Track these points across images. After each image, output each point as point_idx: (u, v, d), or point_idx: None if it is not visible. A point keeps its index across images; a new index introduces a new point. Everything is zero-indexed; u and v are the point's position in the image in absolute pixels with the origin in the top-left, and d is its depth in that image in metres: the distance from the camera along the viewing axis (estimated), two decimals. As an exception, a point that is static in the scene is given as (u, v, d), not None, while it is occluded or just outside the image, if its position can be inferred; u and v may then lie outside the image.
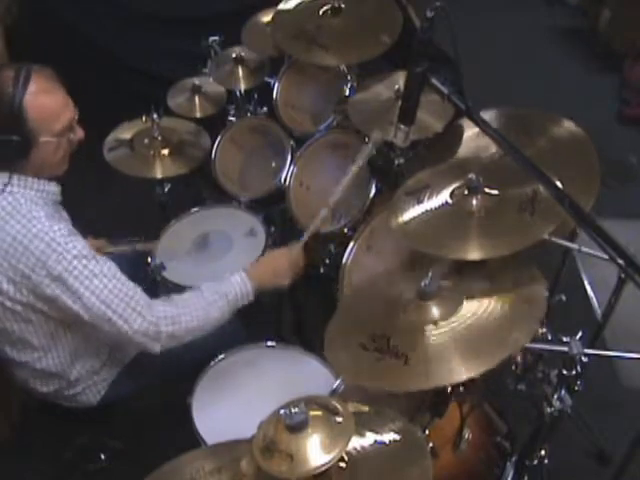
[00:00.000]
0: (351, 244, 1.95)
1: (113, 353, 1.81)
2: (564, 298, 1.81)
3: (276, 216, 2.37)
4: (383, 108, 2.02)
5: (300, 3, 2.32)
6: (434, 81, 1.45)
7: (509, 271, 1.45)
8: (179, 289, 2.01)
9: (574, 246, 1.50)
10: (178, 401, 1.73)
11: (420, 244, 1.52)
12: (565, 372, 1.42)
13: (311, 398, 1.17)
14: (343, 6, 2.21)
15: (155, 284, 2.06)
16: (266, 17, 2.52)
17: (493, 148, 1.75)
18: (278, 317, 2.32)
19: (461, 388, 1.55)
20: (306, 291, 2.12)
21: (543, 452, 1.67)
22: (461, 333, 1.35)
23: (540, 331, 1.43)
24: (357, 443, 1.19)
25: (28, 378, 1.74)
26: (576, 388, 1.45)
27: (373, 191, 2.09)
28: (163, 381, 1.86)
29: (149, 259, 2.13)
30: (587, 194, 1.62)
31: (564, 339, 1.41)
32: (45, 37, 2.98)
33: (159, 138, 2.36)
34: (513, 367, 1.52)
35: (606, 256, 1.30)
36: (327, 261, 2.26)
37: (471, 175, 1.51)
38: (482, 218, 1.48)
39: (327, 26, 2.20)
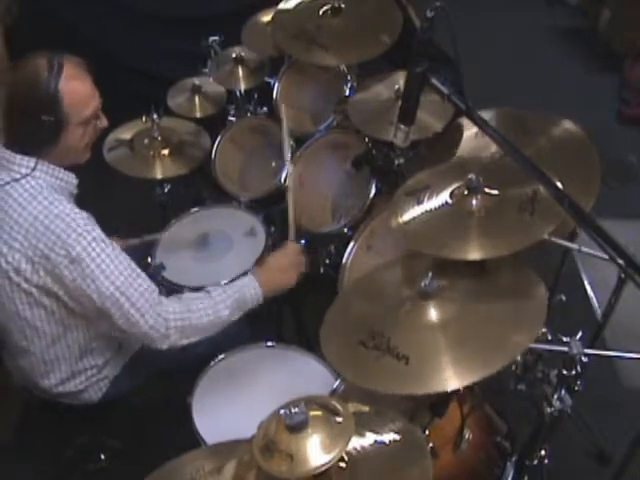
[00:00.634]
0: (351, 244, 1.95)
1: (118, 351, 1.81)
2: (564, 298, 1.81)
3: (276, 216, 2.37)
4: (383, 108, 2.02)
5: (300, 3, 2.32)
6: (434, 81, 1.45)
7: (508, 272, 1.45)
8: (179, 289, 2.02)
9: (574, 246, 1.50)
10: (178, 401, 1.73)
11: (420, 245, 1.52)
12: (565, 372, 1.42)
13: (311, 398, 1.17)
14: (343, 6, 2.21)
15: (155, 284, 2.06)
16: (266, 17, 2.52)
17: (493, 148, 1.75)
18: (278, 317, 2.32)
19: (461, 388, 1.55)
20: (306, 291, 2.12)
21: (543, 452, 1.67)
22: (462, 336, 1.35)
23: (540, 331, 1.43)
24: (357, 443, 1.19)
25: (31, 371, 1.73)
26: (576, 388, 1.45)
27: (373, 191, 2.09)
28: (164, 378, 1.86)
29: (149, 259, 2.13)
30: (587, 194, 1.62)
31: (564, 339, 1.41)
32: (45, 37, 2.97)
33: (159, 138, 2.37)
34: (513, 367, 1.52)
35: (606, 256, 1.30)
36: (327, 261, 2.26)
37: (471, 175, 1.51)
38: (482, 218, 1.48)
39: (327, 26, 2.20)
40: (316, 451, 1.09)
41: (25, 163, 1.56)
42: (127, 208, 2.87)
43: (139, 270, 1.61)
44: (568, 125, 1.82)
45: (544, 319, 1.34)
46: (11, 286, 1.58)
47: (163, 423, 1.92)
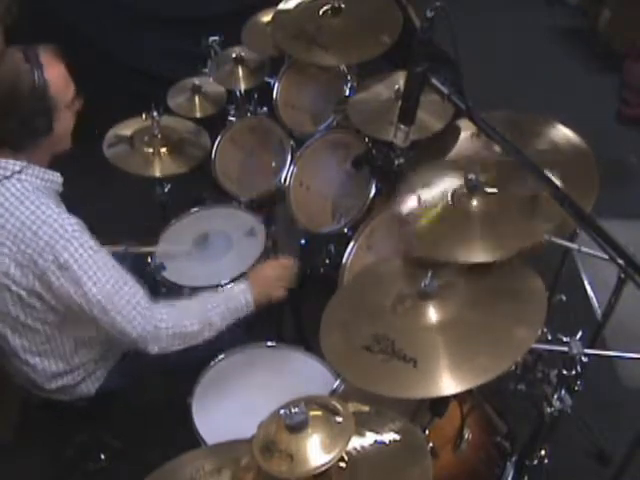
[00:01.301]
0: (351, 244, 1.95)
1: (113, 345, 1.81)
2: (564, 298, 1.82)
3: (276, 216, 2.37)
4: (383, 108, 2.02)
5: (300, 3, 2.31)
6: (434, 81, 1.45)
7: (508, 271, 1.45)
8: (179, 289, 2.02)
9: (574, 246, 1.50)
10: (178, 401, 1.73)
11: (427, 250, 1.52)
12: (565, 372, 1.42)
13: (311, 398, 1.17)
14: (343, 6, 2.21)
15: (155, 284, 2.06)
16: (266, 17, 2.52)
17: (493, 148, 1.75)
18: (278, 317, 2.32)
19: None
20: (306, 291, 2.12)
21: (543, 452, 1.67)
22: (468, 336, 1.35)
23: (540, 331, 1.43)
24: (357, 443, 1.19)
25: (27, 368, 1.73)
26: (576, 388, 1.45)
27: (373, 191, 2.09)
28: (161, 372, 1.86)
29: (149, 259, 2.13)
30: (585, 196, 1.61)
31: (564, 339, 1.41)
32: (45, 37, 2.98)
33: (159, 136, 2.36)
34: (513, 367, 1.52)
35: (606, 256, 1.30)
36: (327, 261, 2.26)
37: (471, 175, 1.51)
38: (482, 219, 1.48)
39: (327, 26, 2.20)
40: (316, 451, 1.09)
41: (10, 167, 1.55)
42: (127, 208, 2.87)
43: (128, 277, 1.60)
44: (562, 128, 1.82)
45: (544, 317, 1.34)
46: (2, 291, 1.57)
47: (163, 423, 1.92)
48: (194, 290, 2.05)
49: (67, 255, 1.50)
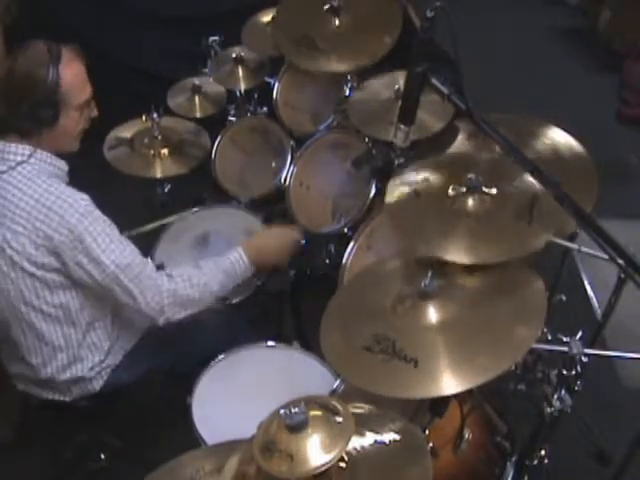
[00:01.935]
0: (351, 244, 1.95)
1: (117, 341, 1.82)
2: (564, 298, 1.82)
3: (276, 216, 2.37)
4: (383, 108, 2.02)
5: (300, 3, 2.31)
6: (434, 81, 1.45)
7: (508, 270, 1.45)
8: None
9: (574, 246, 1.50)
10: (178, 401, 1.73)
11: (412, 240, 1.52)
12: (565, 372, 1.42)
13: (311, 398, 1.17)
14: (343, 6, 2.21)
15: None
16: (266, 17, 2.52)
17: (492, 149, 1.75)
18: (278, 317, 2.32)
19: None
20: (306, 291, 2.12)
21: (543, 452, 1.67)
22: (470, 335, 1.35)
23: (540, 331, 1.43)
24: (357, 443, 1.19)
25: (33, 361, 1.73)
26: (576, 388, 1.45)
27: (373, 191, 2.09)
28: (162, 376, 1.87)
29: (149, 259, 2.13)
30: (584, 201, 1.61)
31: (564, 339, 1.41)
32: (45, 37, 2.98)
33: (159, 137, 2.37)
34: (513, 367, 1.52)
35: (606, 256, 1.30)
36: (327, 261, 2.26)
37: (471, 175, 1.51)
38: (478, 221, 1.48)
39: (327, 27, 2.19)
40: (316, 451, 1.09)
41: (20, 151, 1.61)
42: (127, 208, 2.86)
43: (136, 249, 1.68)
44: (559, 131, 1.82)
45: (544, 317, 1.34)
46: (15, 271, 1.61)
47: (163, 423, 1.92)
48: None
49: (82, 228, 1.56)
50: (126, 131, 2.42)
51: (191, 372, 1.77)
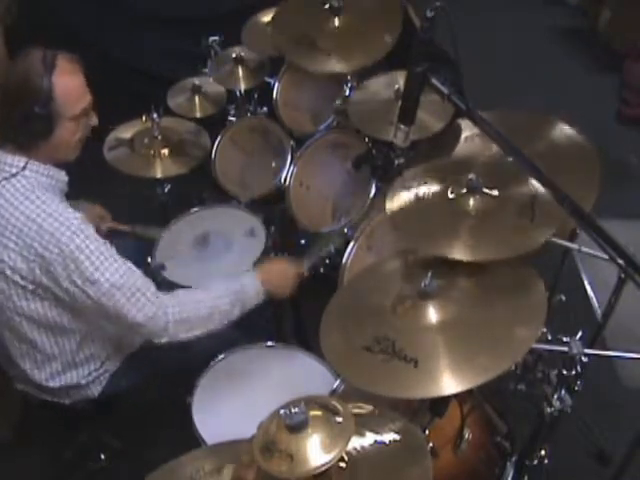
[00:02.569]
0: (351, 244, 1.95)
1: (119, 346, 1.81)
2: (564, 298, 1.81)
3: (276, 216, 2.37)
4: (383, 108, 2.02)
5: (300, 3, 2.31)
6: (434, 81, 1.45)
7: (509, 270, 1.45)
8: (179, 289, 2.02)
9: (574, 246, 1.51)
10: (178, 401, 1.73)
11: (412, 240, 1.52)
12: (565, 372, 1.42)
13: (311, 398, 1.17)
14: (343, 6, 2.21)
15: (155, 284, 2.06)
16: (266, 17, 2.53)
17: (492, 149, 1.75)
18: (278, 317, 2.32)
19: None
20: (306, 291, 2.12)
21: (543, 452, 1.67)
22: (469, 335, 1.35)
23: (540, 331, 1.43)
24: (357, 443, 1.19)
25: (29, 366, 1.73)
26: (576, 388, 1.45)
27: (373, 191, 2.09)
28: (162, 376, 1.86)
29: (149, 259, 2.13)
30: (586, 195, 1.61)
31: (564, 339, 1.41)
32: (45, 37, 2.98)
33: (159, 138, 2.37)
34: (513, 367, 1.52)
35: (606, 256, 1.30)
36: (327, 261, 2.26)
37: (471, 175, 1.51)
38: (479, 219, 1.48)
39: (327, 27, 2.19)
40: (316, 451, 1.09)
41: (15, 162, 1.57)
42: (127, 208, 2.86)
43: (134, 267, 1.62)
44: (564, 127, 1.81)
45: (545, 317, 1.34)
46: (7, 283, 1.59)
47: (163, 423, 1.92)
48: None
49: (73, 246, 1.52)
50: (126, 132, 2.42)
51: (191, 372, 1.77)
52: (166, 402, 1.90)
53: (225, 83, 2.55)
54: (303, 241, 2.33)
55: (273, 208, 2.38)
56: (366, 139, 2.12)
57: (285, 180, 2.27)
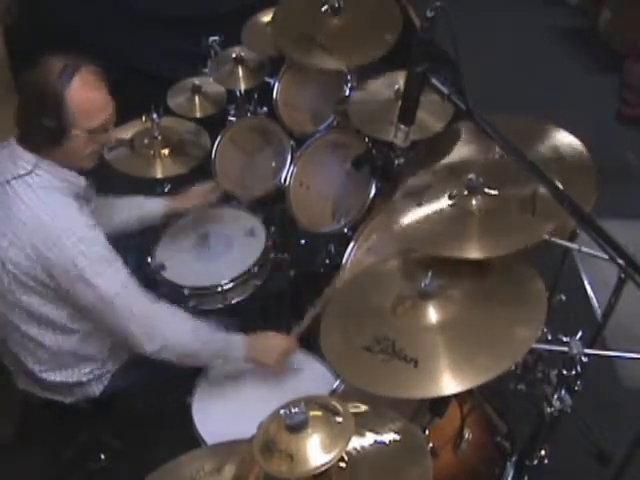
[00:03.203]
0: (351, 244, 1.95)
1: (120, 347, 1.80)
2: (564, 298, 1.81)
3: (276, 216, 2.37)
4: (383, 108, 2.02)
5: (300, 3, 2.31)
6: (434, 81, 1.45)
7: (508, 270, 1.45)
8: (179, 289, 2.02)
9: (574, 246, 1.50)
10: (178, 401, 1.73)
11: (421, 244, 1.52)
12: (565, 372, 1.42)
13: (311, 398, 1.17)
14: (343, 5, 2.21)
15: (155, 284, 2.06)
16: (266, 17, 2.52)
17: (493, 149, 1.75)
18: (278, 317, 2.32)
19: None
20: (306, 291, 2.12)
21: (543, 452, 1.67)
22: (469, 335, 1.35)
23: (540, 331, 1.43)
24: (357, 443, 1.20)
25: (32, 362, 1.73)
26: (576, 388, 1.45)
27: (373, 191, 2.09)
28: (163, 376, 1.86)
29: (149, 259, 2.13)
30: (586, 197, 1.61)
31: (564, 339, 1.41)
32: (45, 37, 2.98)
33: (159, 138, 2.37)
34: (513, 367, 1.52)
35: (606, 256, 1.30)
36: (327, 261, 2.26)
37: (471, 175, 1.51)
38: (482, 218, 1.48)
39: (328, 26, 2.19)
40: (316, 451, 1.09)
41: (31, 159, 1.58)
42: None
43: (135, 281, 1.63)
44: (561, 132, 1.81)
45: (545, 317, 1.34)
46: (8, 277, 1.60)
47: (163, 423, 1.92)
48: (194, 290, 2.05)
49: (77, 252, 1.53)
50: (126, 132, 2.42)
51: (191, 372, 1.77)
52: (166, 402, 1.90)
53: (225, 83, 2.55)
54: (303, 241, 2.33)
55: (273, 208, 2.38)
56: (366, 139, 2.12)
57: (285, 180, 2.27)
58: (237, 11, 2.72)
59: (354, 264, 1.92)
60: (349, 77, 2.24)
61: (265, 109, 2.56)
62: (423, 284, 1.41)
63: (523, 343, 1.32)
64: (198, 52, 2.59)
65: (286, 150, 2.35)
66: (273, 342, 1.80)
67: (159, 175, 2.35)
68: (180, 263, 2.12)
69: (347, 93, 2.23)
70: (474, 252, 1.43)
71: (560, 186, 1.38)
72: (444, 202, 1.54)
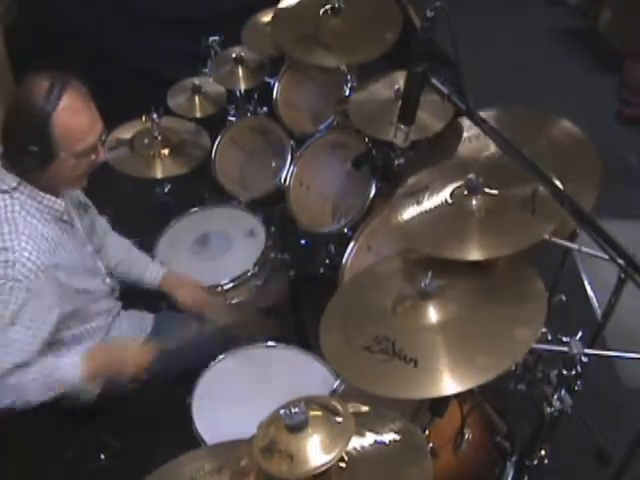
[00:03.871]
0: (351, 244, 1.95)
1: None
2: (564, 298, 1.81)
3: (276, 216, 2.37)
4: (383, 108, 2.02)
5: (300, 2, 2.31)
6: (434, 81, 1.45)
7: (508, 270, 1.45)
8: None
9: (574, 246, 1.50)
10: (178, 401, 1.73)
11: (421, 245, 1.52)
12: (565, 372, 1.42)
13: (311, 398, 1.17)
14: (343, 6, 2.21)
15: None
16: (266, 17, 2.52)
17: (493, 148, 1.75)
18: (278, 317, 2.32)
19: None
20: (306, 291, 2.12)
21: (543, 452, 1.67)
22: (468, 335, 1.35)
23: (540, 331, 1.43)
24: (357, 443, 1.20)
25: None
26: (576, 388, 1.45)
27: (373, 191, 2.09)
28: (162, 377, 1.86)
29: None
30: (587, 194, 1.61)
31: (564, 339, 1.41)
32: (45, 37, 2.98)
33: (159, 138, 2.37)
34: (513, 367, 1.52)
35: (606, 256, 1.30)
36: (327, 261, 2.26)
37: (471, 175, 1.51)
38: (483, 218, 1.48)
39: (328, 26, 2.19)
40: (316, 451, 1.09)
41: (8, 181, 1.54)
42: (127, 208, 2.86)
43: (33, 343, 1.54)
44: (567, 125, 1.82)
45: (544, 317, 1.34)
46: None
47: (163, 423, 1.92)
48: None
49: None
50: (126, 132, 2.42)
51: (191, 372, 1.77)
52: (166, 402, 1.90)
53: (225, 83, 2.55)
54: (303, 241, 2.33)
55: (273, 208, 2.38)
56: (366, 139, 2.12)
57: (285, 180, 2.27)
58: (237, 11, 2.73)
59: (354, 264, 1.92)
60: (349, 77, 2.24)
61: (265, 109, 2.56)
62: (423, 284, 1.41)
63: (523, 343, 1.31)
64: (198, 52, 2.60)
65: (286, 150, 2.36)
66: (116, 356, 1.73)
67: (159, 175, 2.35)
68: (180, 263, 2.12)
69: (347, 93, 2.23)
70: (474, 252, 1.43)
71: (560, 186, 1.38)
72: (444, 202, 1.54)
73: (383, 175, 2.08)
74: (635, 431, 1.43)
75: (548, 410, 1.47)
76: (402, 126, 1.54)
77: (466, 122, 1.94)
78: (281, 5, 2.34)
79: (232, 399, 1.72)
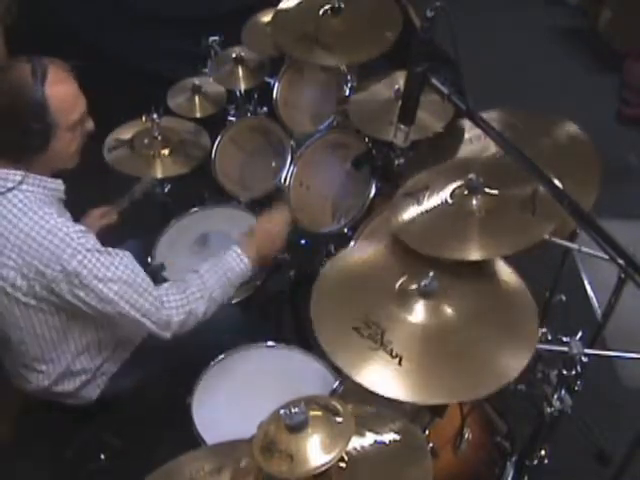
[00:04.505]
0: (351, 244, 1.95)
1: (115, 350, 1.81)
2: (564, 298, 1.82)
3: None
4: (383, 108, 2.02)
5: (300, 3, 2.31)
6: (434, 81, 1.45)
7: (509, 298, 1.43)
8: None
9: (574, 246, 1.50)
10: (178, 401, 1.73)
11: (421, 244, 1.51)
12: (565, 372, 1.42)
13: (311, 398, 1.17)
14: (343, 6, 2.21)
15: (155, 284, 2.06)
16: (266, 17, 2.52)
17: (493, 148, 1.75)
18: (278, 317, 2.32)
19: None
20: (306, 291, 2.12)
21: (543, 452, 1.67)
22: (451, 349, 1.33)
23: (540, 331, 1.43)
24: (357, 443, 1.19)
25: (28, 372, 1.73)
26: (576, 388, 1.45)
27: (373, 191, 2.09)
28: (162, 377, 1.87)
29: (149, 259, 2.13)
30: (587, 194, 1.62)
31: (564, 339, 1.41)
32: (45, 37, 2.98)
33: (159, 138, 2.36)
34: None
35: (606, 256, 1.30)
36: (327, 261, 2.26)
37: (471, 175, 1.51)
38: (483, 218, 1.48)
39: (328, 26, 2.19)
40: (316, 451, 1.09)
41: (11, 177, 1.54)
42: (127, 208, 2.86)
43: (138, 269, 1.62)
44: (568, 125, 1.82)
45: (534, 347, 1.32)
46: (9, 299, 1.58)
47: (163, 423, 1.92)
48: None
49: (75, 263, 1.50)
50: (126, 132, 2.42)
51: (191, 372, 1.77)
52: (166, 402, 1.91)
53: (225, 83, 2.55)
54: (303, 241, 2.33)
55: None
56: (366, 139, 2.12)
57: (285, 180, 2.27)
58: (237, 11, 2.72)
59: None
60: (349, 77, 2.24)
61: (265, 109, 2.56)
62: (424, 283, 1.40)
63: (501, 376, 1.27)
64: (198, 52, 2.59)
65: (286, 150, 2.35)
66: (269, 230, 1.89)
67: (159, 175, 2.35)
68: (180, 263, 2.12)
69: (347, 93, 2.23)
70: (474, 252, 1.42)
71: (560, 185, 1.38)
72: (444, 202, 1.54)
73: (383, 175, 2.08)
74: (635, 431, 1.43)
75: (548, 410, 1.47)
76: (402, 126, 1.54)
77: (467, 123, 1.95)
78: (281, 5, 2.34)
79: (232, 399, 1.72)
